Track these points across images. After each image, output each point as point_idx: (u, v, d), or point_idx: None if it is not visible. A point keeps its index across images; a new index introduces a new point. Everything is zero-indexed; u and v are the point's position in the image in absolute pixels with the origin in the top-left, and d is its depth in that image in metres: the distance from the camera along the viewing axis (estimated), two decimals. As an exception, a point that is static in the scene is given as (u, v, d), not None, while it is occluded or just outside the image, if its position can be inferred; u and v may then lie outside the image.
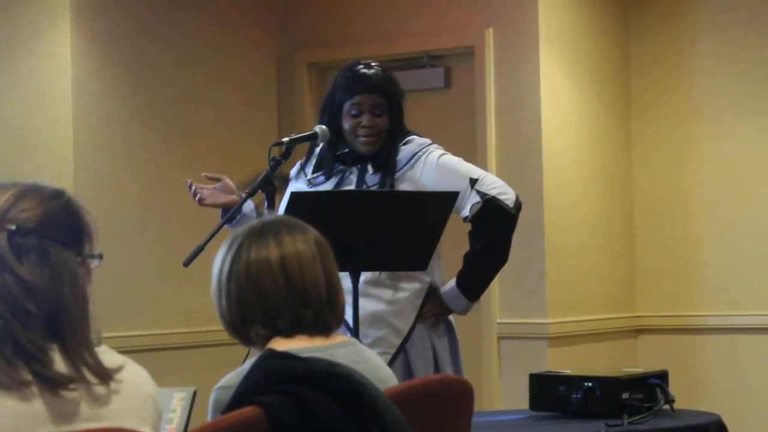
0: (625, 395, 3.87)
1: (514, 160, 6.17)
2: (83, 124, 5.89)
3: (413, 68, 6.54)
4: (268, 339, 2.52)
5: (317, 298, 2.54)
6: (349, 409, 2.22)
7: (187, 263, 3.71)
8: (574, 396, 3.92)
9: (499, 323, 6.24)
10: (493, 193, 4.08)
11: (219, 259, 2.57)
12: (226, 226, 3.90)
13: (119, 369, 2.04)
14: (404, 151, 4.12)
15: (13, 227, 2.01)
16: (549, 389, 3.99)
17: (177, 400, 2.79)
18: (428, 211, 3.89)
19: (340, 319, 2.61)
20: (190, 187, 4.18)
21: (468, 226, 4.14)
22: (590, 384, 3.90)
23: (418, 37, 6.51)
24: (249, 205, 4.09)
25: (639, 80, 6.63)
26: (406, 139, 4.15)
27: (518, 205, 4.12)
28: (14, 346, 1.96)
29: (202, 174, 4.23)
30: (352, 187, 4.10)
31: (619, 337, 6.52)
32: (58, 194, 2.09)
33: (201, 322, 6.12)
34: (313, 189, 4.14)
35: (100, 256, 2.11)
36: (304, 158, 4.25)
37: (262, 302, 2.51)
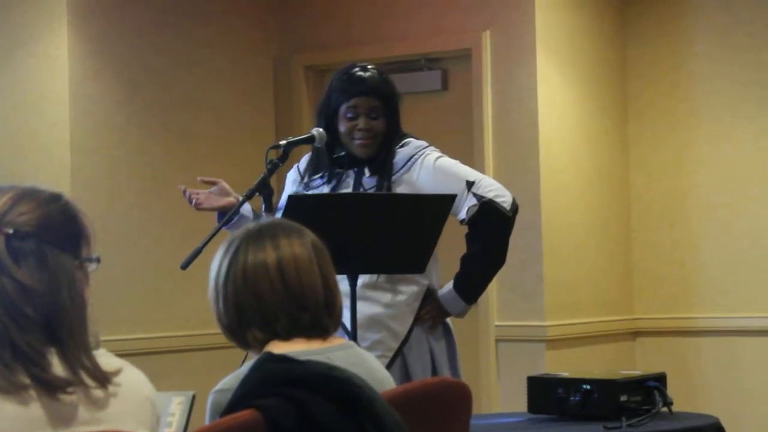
0: (623, 398, 3.87)
1: (511, 163, 6.18)
2: (80, 127, 5.89)
3: (410, 71, 6.54)
4: (266, 342, 2.52)
5: (314, 302, 2.54)
6: (348, 412, 2.22)
7: (185, 266, 3.71)
8: (572, 398, 3.92)
9: (497, 326, 6.24)
10: (489, 195, 4.07)
11: (216, 262, 2.58)
12: (223, 229, 3.89)
13: (117, 372, 2.04)
14: (401, 154, 4.12)
15: (11, 231, 2.01)
16: (547, 392, 3.99)
17: (175, 404, 2.78)
18: (425, 213, 3.89)
19: (338, 322, 2.61)
20: (185, 193, 4.18)
21: (465, 229, 4.14)
22: (588, 386, 3.90)
23: (415, 40, 6.51)
24: (246, 207, 4.09)
25: (636, 83, 6.64)
26: (403, 142, 4.15)
27: (515, 207, 4.12)
28: (12, 350, 1.96)
29: (198, 178, 4.23)
30: (349, 190, 4.10)
31: (617, 340, 6.52)
32: (55, 198, 2.09)
33: (199, 325, 6.11)
34: (310, 192, 4.14)
35: (98, 260, 2.11)
36: (307, 162, 4.24)
37: (260, 305, 2.51)
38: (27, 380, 1.96)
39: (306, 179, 4.19)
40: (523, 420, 4.03)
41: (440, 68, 6.53)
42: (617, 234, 6.58)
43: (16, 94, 5.91)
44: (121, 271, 5.95)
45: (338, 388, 2.24)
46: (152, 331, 6.13)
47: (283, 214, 3.71)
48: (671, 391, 4.02)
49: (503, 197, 4.09)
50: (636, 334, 6.61)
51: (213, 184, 4.18)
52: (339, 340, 2.60)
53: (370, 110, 4.09)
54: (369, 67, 4.16)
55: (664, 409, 3.92)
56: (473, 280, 4.16)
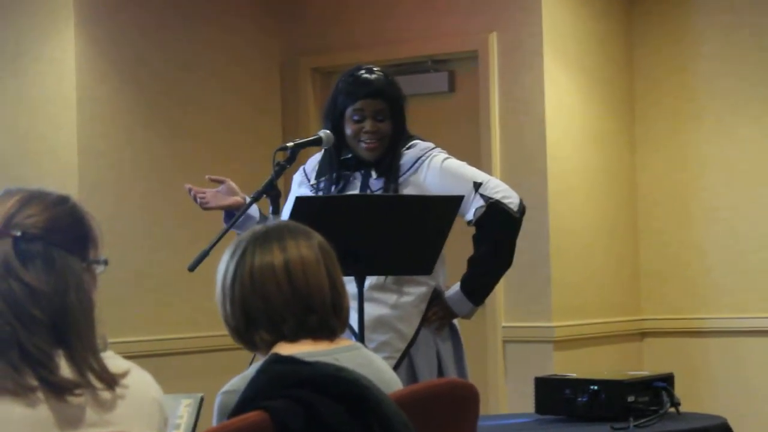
0: (630, 398, 3.87)
1: (519, 165, 6.17)
2: (87, 129, 5.90)
3: (417, 72, 6.54)
4: (273, 344, 2.52)
5: (321, 303, 2.54)
6: (355, 413, 2.22)
7: (192, 268, 3.71)
8: (579, 399, 3.92)
9: (504, 327, 6.24)
10: (497, 197, 4.07)
11: (223, 264, 2.58)
12: (231, 230, 3.90)
13: (125, 374, 2.04)
14: (408, 156, 4.12)
15: (19, 233, 2.02)
16: (555, 392, 3.99)
17: (184, 407, 2.79)
18: (433, 215, 3.89)
19: (345, 324, 2.61)
20: (190, 191, 4.18)
21: (472, 230, 4.14)
22: (596, 387, 3.90)
23: (421, 42, 6.51)
24: (253, 208, 4.09)
25: (642, 83, 6.63)
26: (410, 144, 4.15)
27: (522, 208, 4.11)
28: (20, 352, 1.96)
29: (206, 177, 4.23)
30: (356, 192, 4.10)
31: (625, 341, 6.52)
32: (62, 200, 2.09)
33: (206, 327, 6.12)
34: (317, 194, 4.14)
35: (105, 262, 2.11)
36: (314, 164, 4.24)
37: (267, 307, 2.52)
38: (35, 382, 1.96)
39: (313, 181, 4.19)
40: (531, 421, 4.03)
41: (447, 70, 6.53)
42: (624, 235, 6.57)
43: (23, 98, 5.92)
44: (129, 273, 5.95)
45: (346, 389, 2.24)
46: (160, 332, 6.13)
47: (290, 216, 3.71)
48: (678, 391, 4.01)
49: (510, 198, 4.09)
50: (643, 334, 6.61)
51: (220, 182, 4.19)
52: (346, 342, 2.60)
53: (377, 113, 4.09)
54: (375, 69, 4.15)
55: (672, 409, 3.92)
56: (480, 281, 4.16)
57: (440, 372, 4.12)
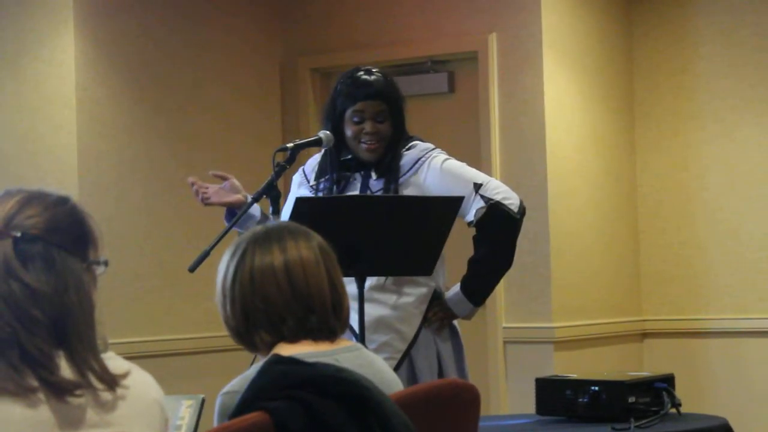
0: (631, 399, 3.87)
1: (519, 165, 6.17)
2: (87, 130, 5.90)
3: (417, 73, 6.54)
4: (273, 345, 2.52)
5: (322, 304, 2.54)
6: (356, 414, 2.22)
7: (192, 269, 3.71)
8: (580, 400, 3.92)
9: (505, 328, 6.23)
10: (497, 198, 4.07)
11: (223, 265, 2.58)
12: (231, 231, 3.89)
13: (125, 375, 2.04)
14: (408, 157, 4.12)
15: (19, 234, 2.02)
16: (555, 393, 3.99)
17: (185, 408, 2.79)
18: (433, 215, 3.89)
19: (345, 324, 2.61)
20: (192, 186, 4.17)
21: (472, 231, 4.14)
22: (597, 388, 3.90)
23: (421, 43, 6.51)
24: (254, 207, 4.08)
25: (642, 84, 6.63)
26: (410, 145, 4.15)
27: (522, 209, 4.11)
28: (20, 353, 1.96)
29: (210, 173, 4.23)
30: (356, 192, 4.10)
31: (625, 341, 6.51)
32: (62, 201, 2.09)
33: (206, 327, 6.12)
34: (317, 195, 4.14)
35: (106, 263, 2.11)
36: (314, 165, 4.23)
37: (267, 308, 2.52)
38: (35, 383, 1.96)
39: (312, 182, 4.19)
40: (532, 422, 4.03)
41: (447, 71, 6.53)
42: (625, 235, 6.57)
43: (23, 99, 5.92)
44: (129, 273, 5.95)
45: (347, 390, 2.24)
46: (160, 333, 6.13)
47: (291, 217, 3.71)
48: (679, 392, 4.01)
49: (511, 199, 4.09)
50: (644, 335, 6.61)
51: (224, 179, 4.18)
52: (346, 342, 2.60)
53: (377, 114, 4.09)
54: (374, 70, 4.15)
55: (673, 410, 3.92)
56: (480, 282, 4.16)
57: (440, 373, 4.12)
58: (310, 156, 4.34)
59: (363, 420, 2.22)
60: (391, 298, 4.09)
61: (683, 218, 6.51)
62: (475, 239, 4.13)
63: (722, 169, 6.41)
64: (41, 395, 1.96)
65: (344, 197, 4.05)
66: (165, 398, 2.12)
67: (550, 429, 3.92)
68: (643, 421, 3.78)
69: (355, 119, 4.08)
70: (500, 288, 6.11)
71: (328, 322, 2.55)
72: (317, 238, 2.59)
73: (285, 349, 2.48)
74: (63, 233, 2.05)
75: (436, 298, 4.15)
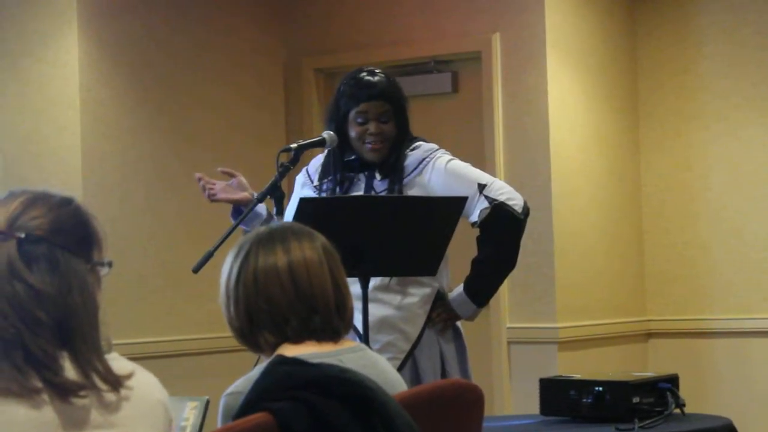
0: (635, 399, 3.87)
1: (522, 165, 6.17)
2: (91, 131, 5.90)
3: (420, 73, 6.54)
4: (277, 345, 2.52)
5: (325, 304, 2.54)
6: (360, 414, 2.22)
7: (196, 270, 3.71)
8: (584, 400, 3.91)
9: (509, 328, 6.23)
10: (501, 198, 4.07)
11: (227, 266, 2.58)
12: (235, 231, 3.89)
13: (129, 376, 2.04)
14: (412, 157, 4.12)
15: (23, 235, 2.02)
16: (559, 394, 3.99)
17: (190, 409, 2.79)
18: (437, 216, 3.89)
19: (349, 325, 2.61)
20: (199, 181, 4.18)
21: (475, 232, 4.14)
22: (601, 388, 3.90)
23: (424, 43, 6.51)
24: (261, 206, 4.08)
25: (646, 83, 6.63)
26: (414, 145, 4.15)
27: (526, 210, 4.11)
28: (25, 354, 1.96)
29: (218, 169, 4.23)
30: (360, 193, 4.10)
31: (630, 341, 6.51)
32: (66, 202, 2.09)
33: (210, 328, 6.12)
34: (321, 195, 4.14)
35: (110, 264, 2.11)
36: (318, 166, 4.23)
37: (271, 309, 2.52)
38: (39, 384, 1.96)
39: (316, 182, 4.19)
40: (536, 422, 4.03)
41: (450, 71, 6.53)
42: (629, 235, 6.57)
43: (26, 100, 5.93)
44: (133, 274, 5.96)
45: (351, 390, 2.24)
46: (164, 334, 6.13)
47: (295, 217, 3.71)
48: (684, 392, 4.01)
49: (515, 200, 4.09)
50: (648, 335, 6.60)
51: (232, 176, 4.19)
52: (350, 343, 2.60)
53: (380, 114, 4.09)
54: (377, 71, 4.16)
55: (677, 410, 3.92)
56: (484, 283, 4.16)
57: (444, 373, 4.12)
58: (313, 156, 4.34)
59: (367, 420, 2.22)
60: (396, 299, 4.09)
61: (687, 218, 6.51)
62: (479, 240, 4.13)
63: (726, 169, 6.41)
64: (45, 396, 1.96)
65: (348, 197, 4.05)
66: (170, 399, 2.12)
67: (554, 429, 3.92)
68: (647, 422, 3.78)
69: (359, 120, 4.09)
70: (504, 288, 6.11)
71: (332, 323, 2.55)
72: (321, 239, 2.60)
73: (289, 350, 2.48)
74: (67, 234, 2.05)
75: (440, 299, 4.15)
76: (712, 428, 3.87)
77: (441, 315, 4.13)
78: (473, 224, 4.10)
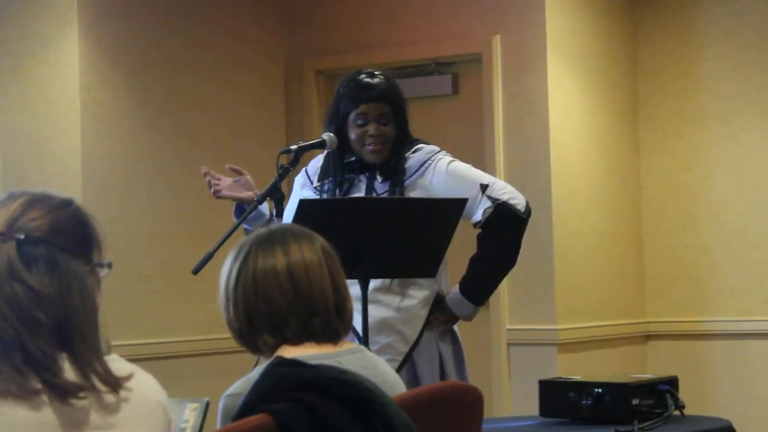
0: (635, 401, 3.87)
1: (523, 167, 6.17)
2: (91, 133, 5.90)
3: (421, 75, 6.54)
4: (276, 347, 2.52)
5: (325, 306, 2.54)
6: (359, 416, 2.22)
7: (196, 271, 3.71)
8: (584, 402, 3.92)
9: (508, 329, 6.23)
10: (504, 198, 4.08)
11: (226, 267, 2.58)
12: (235, 232, 3.89)
13: (129, 377, 2.04)
14: (414, 159, 4.12)
15: (22, 236, 2.02)
16: (559, 395, 3.99)
17: (190, 411, 2.79)
18: (437, 218, 3.89)
19: (349, 326, 2.61)
20: (206, 176, 4.18)
21: (475, 234, 4.14)
22: (600, 390, 3.90)
23: (425, 45, 6.52)
24: (264, 205, 4.08)
25: (647, 85, 6.63)
26: (415, 147, 4.15)
27: (528, 210, 4.12)
28: (24, 355, 1.96)
29: (226, 166, 4.23)
30: (361, 194, 4.10)
31: (629, 343, 6.51)
32: (66, 203, 2.09)
33: (210, 329, 6.12)
34: (321, 197, 4.14)
35: (109, 265, 2.11)
36: (318, 167, 4.23)
37: (270, 310, 2.52)
38: (39, 385, 1.96)
39: (316, 183, 4.19)
40: (535, 424, 4.03)
41: (451, 73, 6.53)
42: (629, 237, 6.57)
43: (27, 101, 5.93)
44: (132, 275, 5.96)
45: (350, 392, 2.24)
46: (163, 335, 6.13)
47: (295, 218, 3.71)
48: (683, 394, 4.01)
49: (517, 199, 4.10)
50: (648, 337, 6.60)
51: (239, 174, 4.19)
52: (349, 345, 2.60)
53: (380, 116, 4.09)
54: (376, 72, 4.16)
55: (676, 412, 3.92)
56: (482, 281, 4.16)
57: (443, 375, 4.12)
58: (312, 157, 4.34)
59: (366, 422, 2.22)
60: (395, 300, 4.09)
61: (688, 220, 6.51)
62: (481, 238, 4.12)
63: (727, 171, 6.41)
64: (45, 397, 1.96)
65: (349, 199, 4.05)
66: (170, 401, 2.13)
67: (553, 431, 3.92)
68: (647, 424, 3.78)
69: (359, 122, 4.09)
70: (504, 289, 6.11)
71: (331, 324, 2.55)
72: (320, 240, 2.60)
73: (288, 352, 2.48)
74: (66, 235, 2.05)
75: (439, 302, 4.15)
76: (712, 430, 3.88)
77: (440, 318, 4.13)
78: (476, 224, 4.10)
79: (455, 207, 3.90)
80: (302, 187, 4.23)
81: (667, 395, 3.92)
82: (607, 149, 6.48)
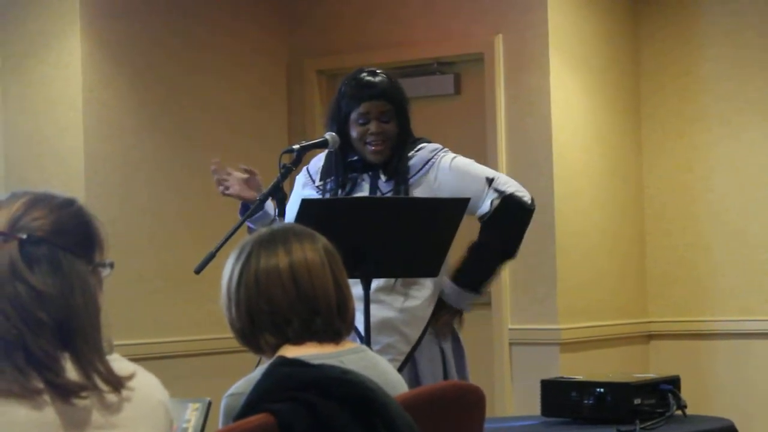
0: (637, 401, 3.87)
1: (525, 167, 6.17)
2: (93, 133, 5.90)
3: (423, 75, 6.55)
4: (278, 347, 2.52)
5: (327, 306, 2.54)
6: (361, 415, 2.22)
7: (198, 271, 3.71)
8: (586, 402, 3.92)
9: (510, 329, 6.23)
10: (510, 190, 4.09)
11: (228, 267, 2.58)
12: (239, 231, 3.89)
13: (131, 377, 2.04)
14: (417, 157, 4.12)
15: (24, 236, 2.02)
16: (561, 395, 3.99)
17: (192, 411, 2.79)
18: (440, 217, 3.88)
19: (351, 326, 2.61)
20: (215, 173, 4.18)
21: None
22: (602, 390, 3.90)
23: (427, 44, 6.52)
24: (269, 204, 4.08)
25: (648, 85, 6.63)
26: (419, 146, 4.15)
27: (534, 203, 4.14)
28: (26, 355, 1.96)
29: (240, 166, 4.24)
30: (365, 194, 4.10)
31: (631, 343, 6.51)
32: (68, 203, 2.09)
33: (212, 329, 6.12)
34: (324, 196, 4.14)
35: (111, 265, 2.11)
36: (320, 166, 4.23)
37: (272, 310, 2.52)
38: (41, 385, 1.96)
39: (318, 182, 4.19)
40: (537, 423, 4.03)
41: (453, 72, 6.53)
42: (631, 237, 6.57)
43: (29, 101, 5.93)
44: (134, 275, 5.96)
45: (351, 392, 2.24)
46: (165, 335, 6.14)
47: (297, 218, 3.71)
48: (685, 394, 4.01)
49: (522, 192, 4.12)
50: (649, 337, 6.60)
51: (251, 174, 4.20)
52: (351, 344, 2.60)
53: (381, 114, 4.09)
54: (377, 71, 4.16)
55: (678, 412, 3.92)
56: (481, 268, 4.13)
57: (445, 375, 4.12)
58: (314, 156, 4.34)
59: (368, 421, 2.22)
60: (398, 300, 4.08)
61: (689, 220, 6.51)
62: (484, 227, 4.10)
63: (728, 171, 6.41)
64: (47, 397, 1.96)
65: (351, 198, 4.05)
66: (172, 401, 2.13)
67: (555, 431, 3.92)
68: (649, 423, 3.78)
69: (361, 121, 4.09)
70: (506, 289, 6.11)
71: (333, 324, 2.55)
72: (322, 240, 2.60)
73: (290, 351, 2.48)
74: (69, 235, 2.05)
75: (440, 302, 4.14)
76: (714, 430, 3.88)
77: (445, 319, 4.13)
78: (482, 216, 4.09)
79: (458, 206, 3.90)
80: (304, 186, 4.23)
81: (669, 395, 3.92)
82: (610, 148, 6.48)
